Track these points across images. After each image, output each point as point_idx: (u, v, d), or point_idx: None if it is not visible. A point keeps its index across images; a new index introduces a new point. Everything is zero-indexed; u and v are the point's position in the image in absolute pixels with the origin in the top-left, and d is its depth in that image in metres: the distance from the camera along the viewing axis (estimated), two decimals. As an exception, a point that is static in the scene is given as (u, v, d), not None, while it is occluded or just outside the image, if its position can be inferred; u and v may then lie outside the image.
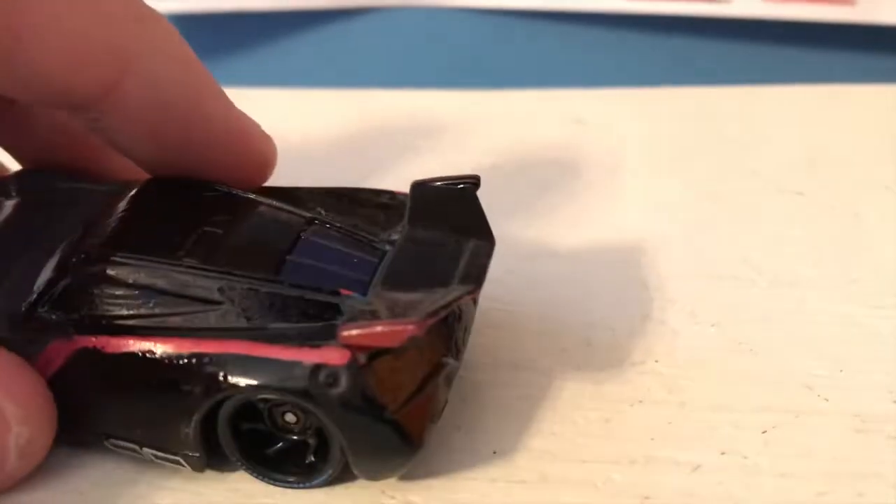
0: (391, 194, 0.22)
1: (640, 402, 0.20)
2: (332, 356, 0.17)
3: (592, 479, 0.18)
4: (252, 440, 0.18)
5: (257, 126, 0.22)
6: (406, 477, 0.18)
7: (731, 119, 0.34)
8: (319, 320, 0.18)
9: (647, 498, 0.18)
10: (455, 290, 0.18)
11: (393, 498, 0.18)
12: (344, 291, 0.18)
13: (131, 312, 0.19)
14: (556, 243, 0.26)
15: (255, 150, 0.21)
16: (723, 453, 0.19)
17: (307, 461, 0.18)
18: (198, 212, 0.20)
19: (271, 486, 0.19)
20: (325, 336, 0.17)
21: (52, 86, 0.19)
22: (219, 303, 0.18)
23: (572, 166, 0.30)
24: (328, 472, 0.18)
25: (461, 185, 0.21)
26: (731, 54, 0.42)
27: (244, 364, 0.17)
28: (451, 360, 0.19)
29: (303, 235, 0.20)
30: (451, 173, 0.23)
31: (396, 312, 0.18)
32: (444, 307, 0.17)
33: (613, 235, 0.26)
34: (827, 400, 0.20)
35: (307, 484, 0.18)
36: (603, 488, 0.18)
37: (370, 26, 0.45)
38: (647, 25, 0.42)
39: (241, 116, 0.21)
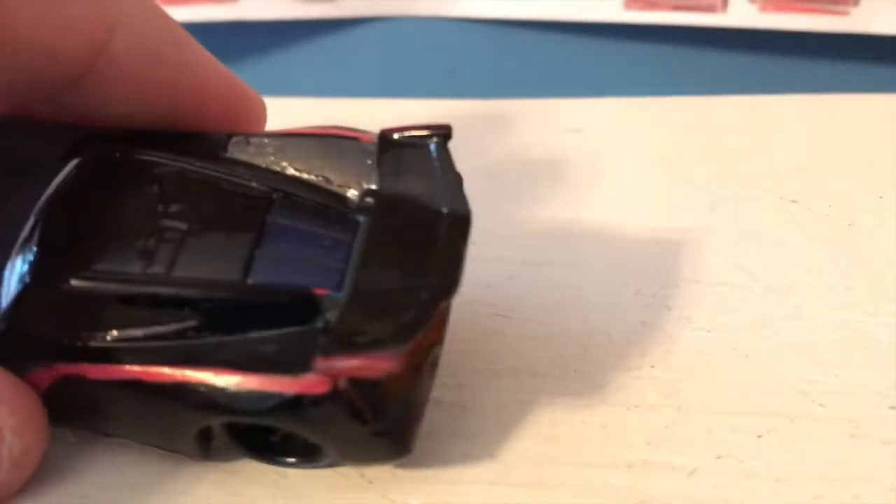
0: (357, 141, 0.21)
1: (637, 406, 0.20)
2: (313, 386, 0.17)
3: (590, 483, 0.19)
4: (251, 432, 0.18)
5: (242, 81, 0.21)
6: (406, 480, 0.19)
7: (728, 128, 0.35)
8: (297, 324, 0.17)
9: (643, 502, 0.18)
10: (433, 295, 0.17)
11: (393, 501, 0.18)
12: (318, 291, 0.18)
13: (108, 335, 0.18)
14: (555, 250, 0.26)
15: (246, 96, 0.21)
16: (719, 457, 0.19)
17: (305, 450, 0.18)
18: (153, 199, 0.19)
19: (273, 490, 0.19)
20: (304, 350, 0.17)
21: (40, 52, 0.18)
22: (191, 318, 0.18)
23: (571, 175, 0.31)
24: (328, 460, 0.18)
25: (433, 137, 0.20)
26: (728, 64, 0.42)
27: (228, 393, 0.17)
28: (435, 347, 0.18)
29: (268, 219, 0.19)
30: None
31: (375, 335, 0.17)
32: (423, 323, 0.17)
33: (611, 243, 0.26)
34: (822, 405, 0.20)
35: (311, 466, 0.19)
36: (600, 492, 0.18)
37: (369, 36, 0.45)
38: (644, 36, 0.42)
39: (226, 69, 0.21)
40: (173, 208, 0.19)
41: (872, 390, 0.21)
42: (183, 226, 0.19)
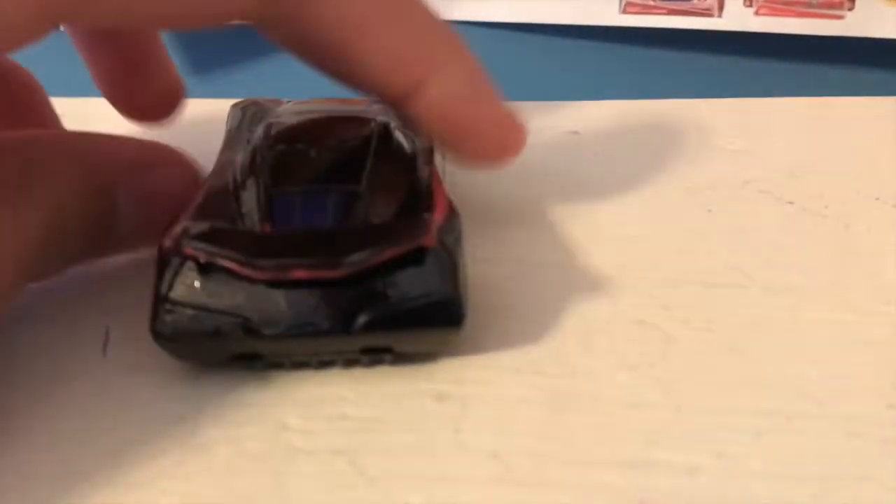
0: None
1: (636, 405, 0.21)
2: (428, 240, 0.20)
3: (590, 481, 0.19)
4: None
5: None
6: (406, 478, 0.19)
7: (725, 131, 0.35)
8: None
9: (643, 500, 0.18)
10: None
11: (393, 500, 0.18)
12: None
13: None
14: (553, 251, 0.26)
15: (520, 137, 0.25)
16: (718, 456, 0.19)
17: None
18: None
19: (270, 490, 0.19)
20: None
21: (371, 81, 0.23)
22: None
23: (568, 177, 0.31)
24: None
25: None
26: (724, 68, 0.42)
27: None
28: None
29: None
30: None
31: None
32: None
33: (609, 245, 0.26)
34: (820, 404, 0.20)
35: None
36: (600, 491, 0.18)
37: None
38: (640, 39, 0.42)
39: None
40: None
41: (870, 390, 0.21)
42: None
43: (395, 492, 0.18)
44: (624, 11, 0.42)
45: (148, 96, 0.28)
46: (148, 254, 0.22)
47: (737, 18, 0.41)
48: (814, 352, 0.22)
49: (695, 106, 0.37)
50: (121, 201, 0.23)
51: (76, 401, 0.21)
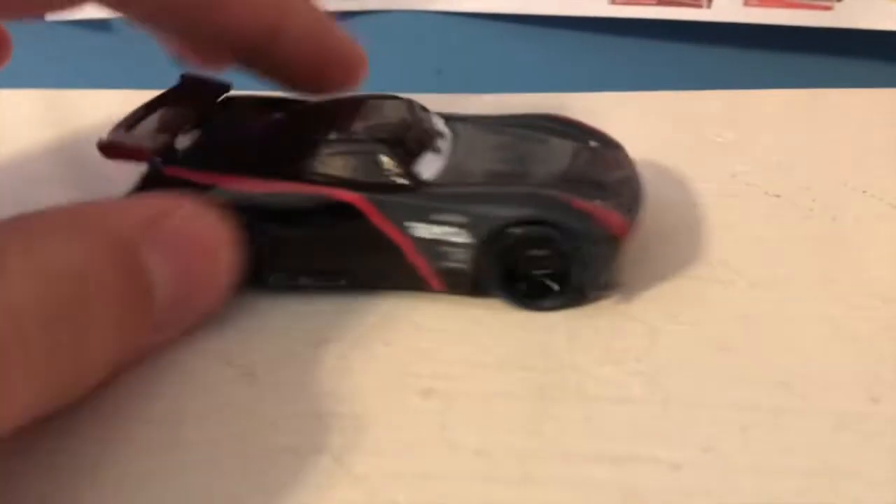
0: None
1: (622, 400, 0.21)
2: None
3: (575, 477, 0.19)
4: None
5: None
6: (391, 476, 0.19)
7: (713, 122, 0.35)
8: None
9: (629, 496, 0.18)
10: None
11: (379, 498, 0.18)
12: None
13: None
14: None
15: (363, 59, 0.28)
16: (704, 450, 0.19)
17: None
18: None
19: (258, 487, 0.19)
20: None
21: (234, 33, 0.25)
22: None
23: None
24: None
25: None
26: (713, 59, 0.42)
27: None
28: None
29: None
30: None
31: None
32: None
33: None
34: (805, 398, 0.20)
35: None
36: (585, 486, 0.18)
37: (357, 31, 0.45)
38: (630, 30, 0.42)
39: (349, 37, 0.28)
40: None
41: (855, 383, 0.21)
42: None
43: (381, 490, 0.18)
44: (613, 2, 0.42)
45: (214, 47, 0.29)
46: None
47: (726, 9, 0.41)
48: (800, 346, 0.22)
49: (683, 98, 0.37)
50: (151, 264, 0.20)
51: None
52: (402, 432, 0.20)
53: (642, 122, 0.35)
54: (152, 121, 0.26)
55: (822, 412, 0.20)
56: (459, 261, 0.23)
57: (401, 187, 0.23)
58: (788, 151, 0.32)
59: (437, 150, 0.25)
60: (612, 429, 0.20)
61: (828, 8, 0.40)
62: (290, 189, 0.23)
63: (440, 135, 0.26)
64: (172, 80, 0.29)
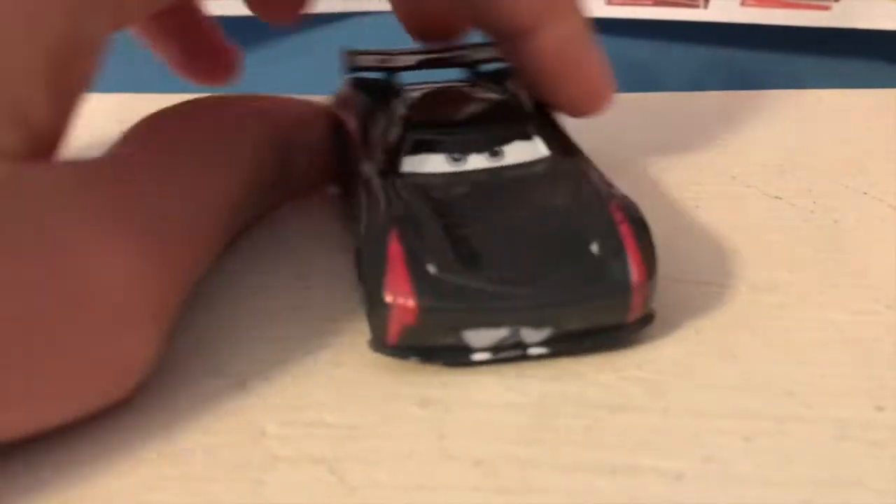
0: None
1: (623, 408, 0.20)
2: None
3: (576, 487, 0.18)
4: None
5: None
6: (387, 487, 0.18)
7: (710, 124, 0.34)
8: None
9: (630, 506, 0.18)
10: None
11: (374, 509, 0.18)
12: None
13: None
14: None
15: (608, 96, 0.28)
16: (706, 461, 0.19)
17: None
18: None
19: (250, 500, 0.18)
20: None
21: (496, 14, 0.26)
22: None
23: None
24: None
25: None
26: (711, 59, 0.42)
27: None
28: None
29: None
30: None
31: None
32: None
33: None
34: (809, 406, 0.20)
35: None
36: (586, 497, 0.18)
37: (350, 32, 0.44)
38: (626, 31, 0.42)
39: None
40: None
41: (859, 391, 0.20)
42: None
43: (377, 501, 0.18)
44: (609, 2, 0.42)
45: (213, 64, 0.32)
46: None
47: (723, 9, 0.40)
48: (802, 352, 0.22)
49: (681, 98, 0.36)
50: (294, 154, 0.27)
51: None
52: (398, 442, 0.19)
53: (640, 124, 0.35)
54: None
55: (826, 421, 0.20)
56: None
57: None
58: (788, 153, 0.32)
59: None
60: (613, 438, 0.19)
61: (826, 8, 0.40)
62: None
63: None
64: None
